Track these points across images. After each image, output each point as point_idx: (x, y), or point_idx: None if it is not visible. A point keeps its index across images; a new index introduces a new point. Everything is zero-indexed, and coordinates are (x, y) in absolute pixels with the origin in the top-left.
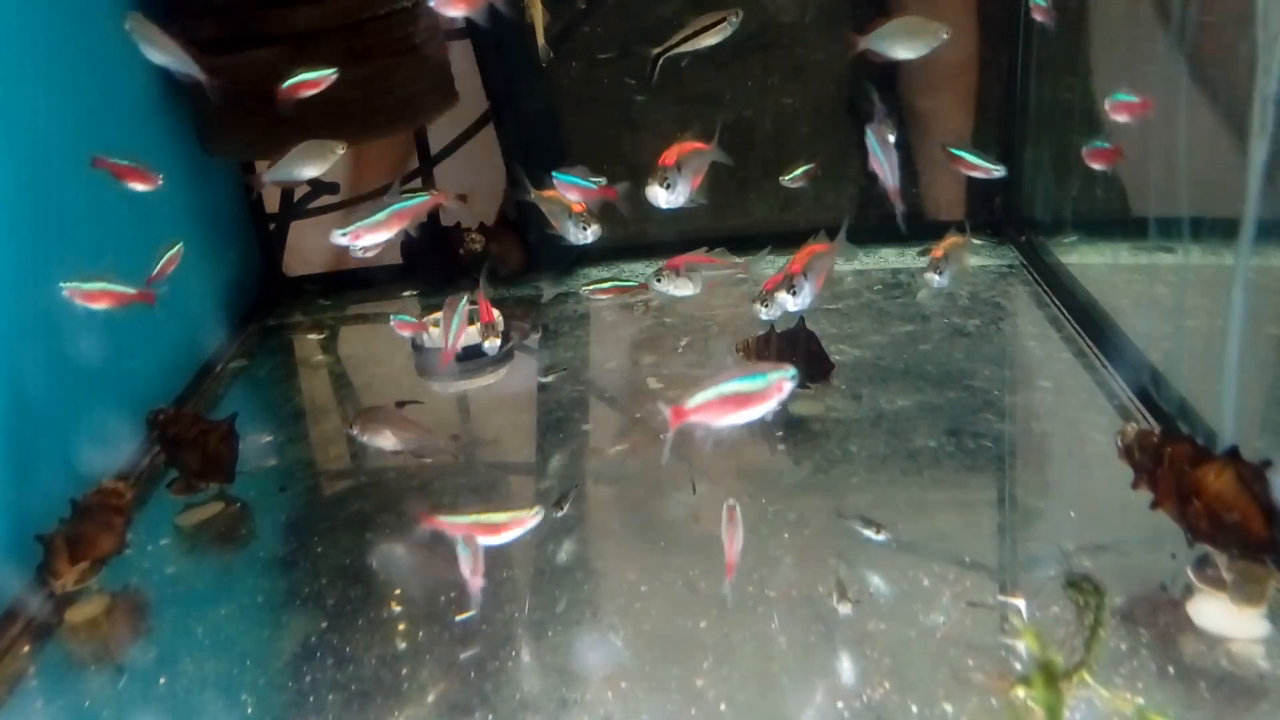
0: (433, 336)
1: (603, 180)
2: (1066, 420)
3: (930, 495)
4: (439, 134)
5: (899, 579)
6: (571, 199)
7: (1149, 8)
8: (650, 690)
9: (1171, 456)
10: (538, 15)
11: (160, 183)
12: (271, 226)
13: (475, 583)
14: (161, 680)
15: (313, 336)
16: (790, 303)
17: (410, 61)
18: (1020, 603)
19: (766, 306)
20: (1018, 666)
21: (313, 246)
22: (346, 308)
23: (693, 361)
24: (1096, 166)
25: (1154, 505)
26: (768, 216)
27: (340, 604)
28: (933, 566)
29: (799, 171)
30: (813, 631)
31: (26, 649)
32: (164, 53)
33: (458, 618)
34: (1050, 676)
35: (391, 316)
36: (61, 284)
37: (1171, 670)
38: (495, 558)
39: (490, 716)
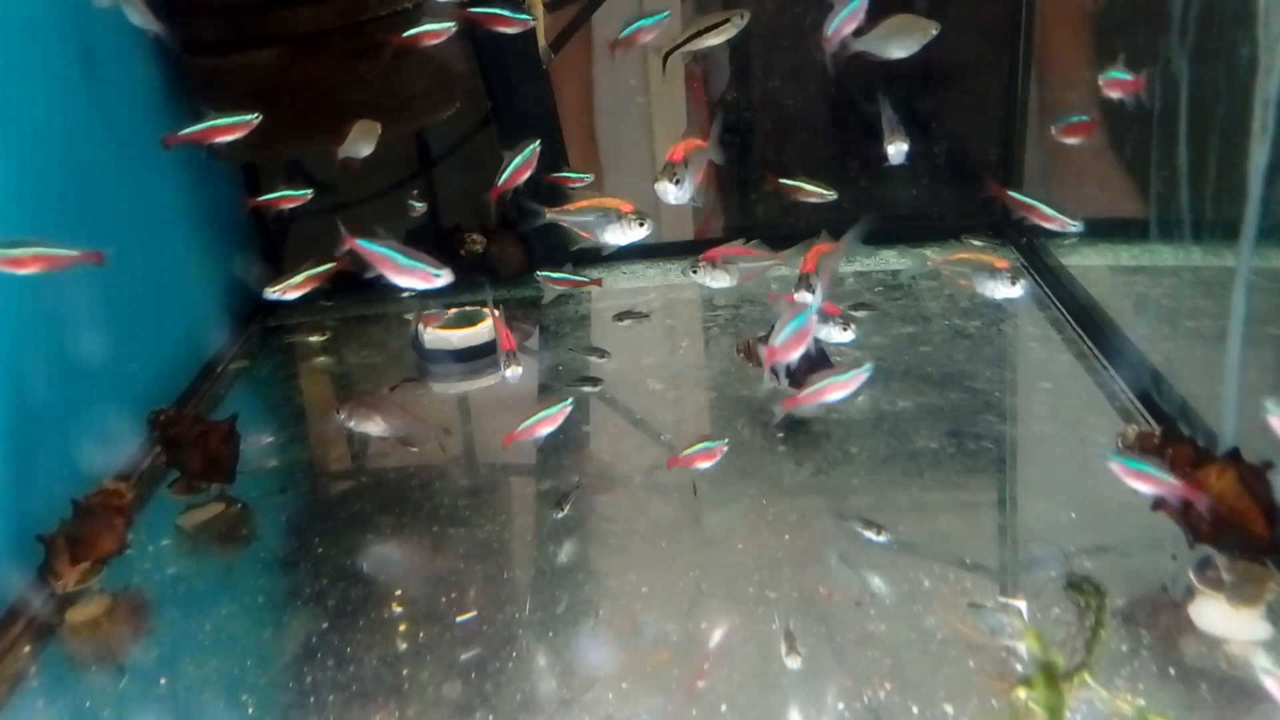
0: (434, 337)
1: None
2: (1067, 422)
3: (931, 496)
4: (439, 135)
5: (900, 580)
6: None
7: (1152, 8)
8: (650, 691)
9: (1172, 458)
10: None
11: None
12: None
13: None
14: (162, 680)
15: (314, 338)
16: (809, 299)
17: (410, 63)
18: (1021, 604)
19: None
20: (1019, 668)
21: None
22: (347, 309)
23: (693, 363)
24: (1069, 140)
25: (1155, 506)
26: (769, 217)
27: (341, 604)
28: (933, 568)
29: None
30: (813, 632)
31: (28, 649)
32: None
33: (458, 618)
34: (1051, 677)
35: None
36: None
37: (1172, 672)
38: (495, 558)
39: (491, 717)
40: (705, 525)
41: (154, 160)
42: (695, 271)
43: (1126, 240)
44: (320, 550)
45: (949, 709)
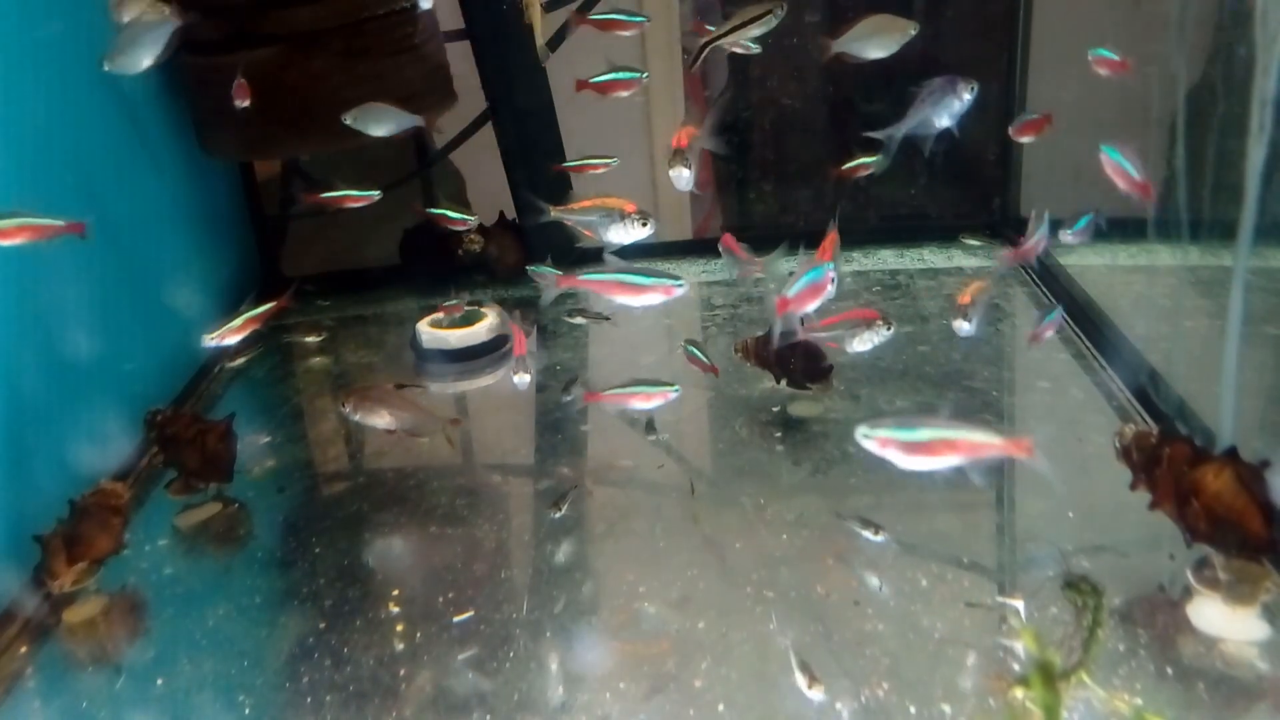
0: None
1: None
2: (1065, 421)
3: (928, 496)
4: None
5: (897, 580)
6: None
7: (1148, 8)
8: (648, 691)
9: (1170, 457)
10: (536, 16)
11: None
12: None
13: None
14: (159, 681)
15: (311, 338)
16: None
17: (409, 61)
18: (1019, 603)
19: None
20: (1016, 667)
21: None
22: (345, 308)
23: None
24: (1023, 139)
25: (1153, 506)
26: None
27: (338, 604)
28: (931, 567)
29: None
30: (811, 632)
31: (24, 649)
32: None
33: (456, 618)
34: (1049, 677)
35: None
36: None
37: (1170, 671)
38: (493, 557)
39: (488, 717)
40: (703, 525)
41: (150, 159)
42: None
43: (1124, 240)
44: (318, 550)
45: (946, 708)
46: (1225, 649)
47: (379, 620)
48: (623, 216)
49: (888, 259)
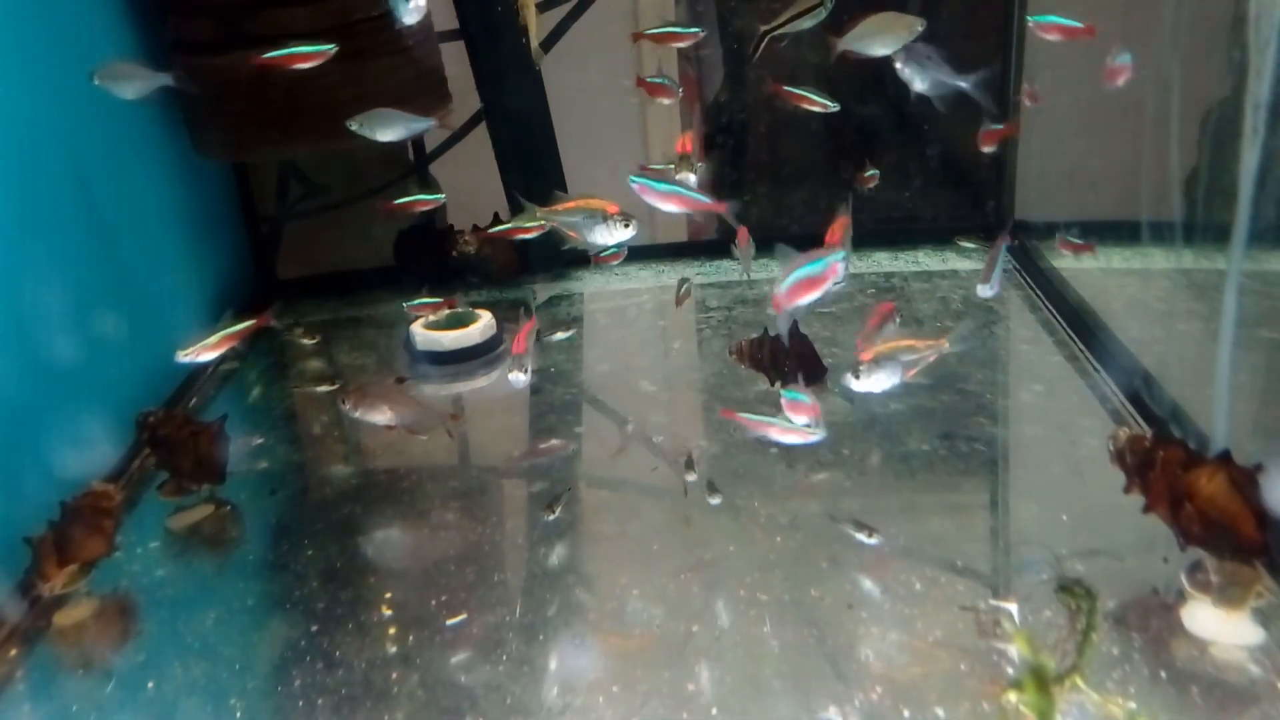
0: (425, 338)
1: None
2: (1059, 424)
3: (923, 499)
4: (433, 134)
5: (891, 583)
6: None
7: (1142, 12)
8: (642, 694)
9: (1163, 460)
10: (531, 17)
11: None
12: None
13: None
14: (150, 684)
15: (306, 341)
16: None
17: (402, 63)
18: (1012, 607)
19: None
20: (1010, 671)
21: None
22: (339, 310)
23: (685, 365)
24: (986, 149)
25: (1146, 509)
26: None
27: (330, 607)
28: (925, 570)
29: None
30: (805, 635)
31: (14, 652)
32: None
33: (449, 621)
34: (1042, 681)
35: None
36: None
37: (1163, 675)
38: (485, 560)
39: None
40: (696, 528)
41: (143, 161)
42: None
43: (1118, 242)
44: (310, 552)
45: (940, 712)
46: (1219, 653)
47: (371, 623)
48: (605, 218)
49: (882, 261)
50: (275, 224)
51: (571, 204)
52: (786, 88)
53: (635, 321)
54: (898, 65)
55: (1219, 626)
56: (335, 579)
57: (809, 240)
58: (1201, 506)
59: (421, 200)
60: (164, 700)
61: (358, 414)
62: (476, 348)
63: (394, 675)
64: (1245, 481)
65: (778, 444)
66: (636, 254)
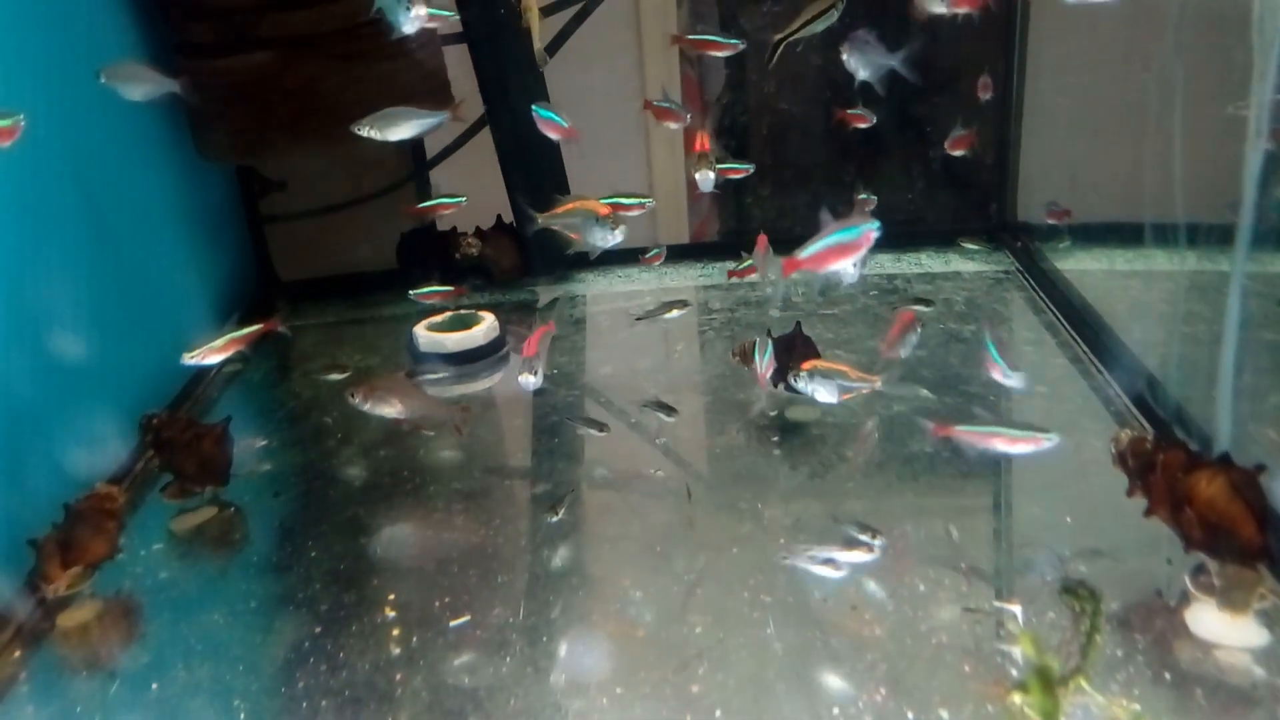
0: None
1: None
2: (1062, 426)
3: (926, 501)
4: (435, 138)
5: (895, 584)
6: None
7: (1145, 14)
8: (645, 696)
9: (1164, 463)
10: (534, 20)
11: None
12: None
13: None
14: (153, 686)
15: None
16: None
17: (405, 65)
18: (1016, 608)
19: None
20: (1014, 672)
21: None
22: (342, 312)
23: (688, 367)
24: (956, 153)
25: (1148, 512)
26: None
27: (334, 609)
28: (928, 572)
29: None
30: (808, 637)
31: (18, 654)
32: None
33: (452, 623)
34: (1047, 682)
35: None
36: None
37: (1168, 677)
38: (489, 562)
39: None
40: (699, 529)
41: (147, 162)
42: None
43: (1121, 244)
44: (313, 554)
45: (944, 714)
46: (1223, 655)
47: (374, 625)
48: (595, 222)
49: (885, 263)
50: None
51: (569, 205)
52: (850, 111)
53: (639, 323)
54: (844, 55)
55: (1223, 629)
56: (339, 581)
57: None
58: (1201, 510)
59: (444, 204)
60: (168, 702)
61: (367, 406)
62: (479, 350)
63: (398, 677)
64: (1245, 484)
65: (1005, 454)
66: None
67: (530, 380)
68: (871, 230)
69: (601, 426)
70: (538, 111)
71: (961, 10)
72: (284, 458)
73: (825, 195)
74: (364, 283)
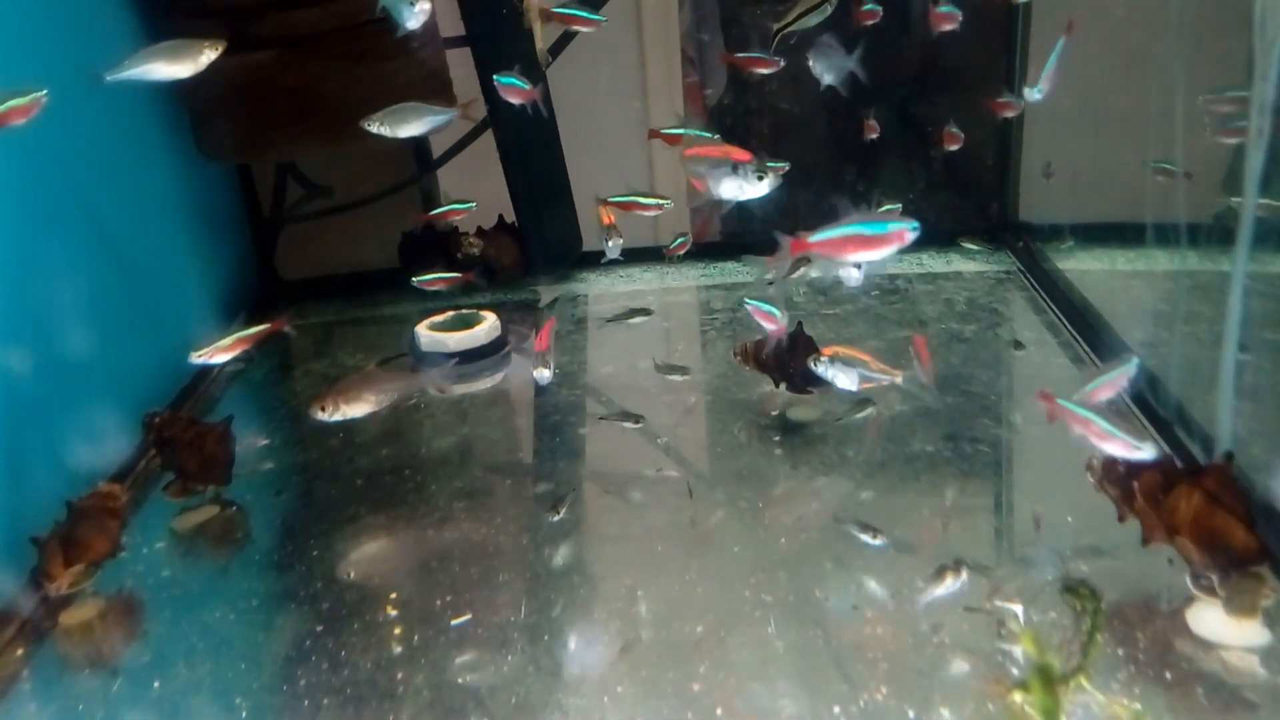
0: (430, 339)
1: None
2: (1063, 426)
3: (927, 500)
4: (438, 140)
5: (896, 583)
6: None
7: (1146, 13)
8: (646, 695)
9: (1142, 490)
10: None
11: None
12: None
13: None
14: (156, 683)
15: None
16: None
17: (407, 65)
18: (1017, 607)
19: None
20: (1015, 671)
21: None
22: (343, 310)
23: (689, 366)
24: (950, 148)
25: (1145, 542)
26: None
27: (335, 607)
28: (930, 571)
29: None
30: (809, 636)
31: (20, 651)
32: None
33: (453, 621)
34: (1047, 681)
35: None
36: None
37: (1169, 676)
38: (490, 561)
39: None
40: (701, 528)
41: (148, 160)
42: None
43: (1123, 245)
44: (315, 553)
45: (945, 712)
46: (1224, 654)
47: (376, 623)
48: (735, 167)
49: (886, 263)
50: (273, 225)
51: (705, 150)
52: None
53: (639, 323)
54: (810, 62)
55: (1224, 628)
56: (340, 579)
57: None
58: (1190, 533)
59: (456, 210)
60: (170, 699)
61: (338, 417)
62: (481, 349)
63: (399, 675)
64: (1221, 489)
65: (1099, 448)
66: (640, 255)
67: (545, 374)
68: (906, 229)
69: (637, 419)
70: (497, 79)
71: (946, 27)
72: (286, 456)
73: (827, 195)
74: (366, 282)
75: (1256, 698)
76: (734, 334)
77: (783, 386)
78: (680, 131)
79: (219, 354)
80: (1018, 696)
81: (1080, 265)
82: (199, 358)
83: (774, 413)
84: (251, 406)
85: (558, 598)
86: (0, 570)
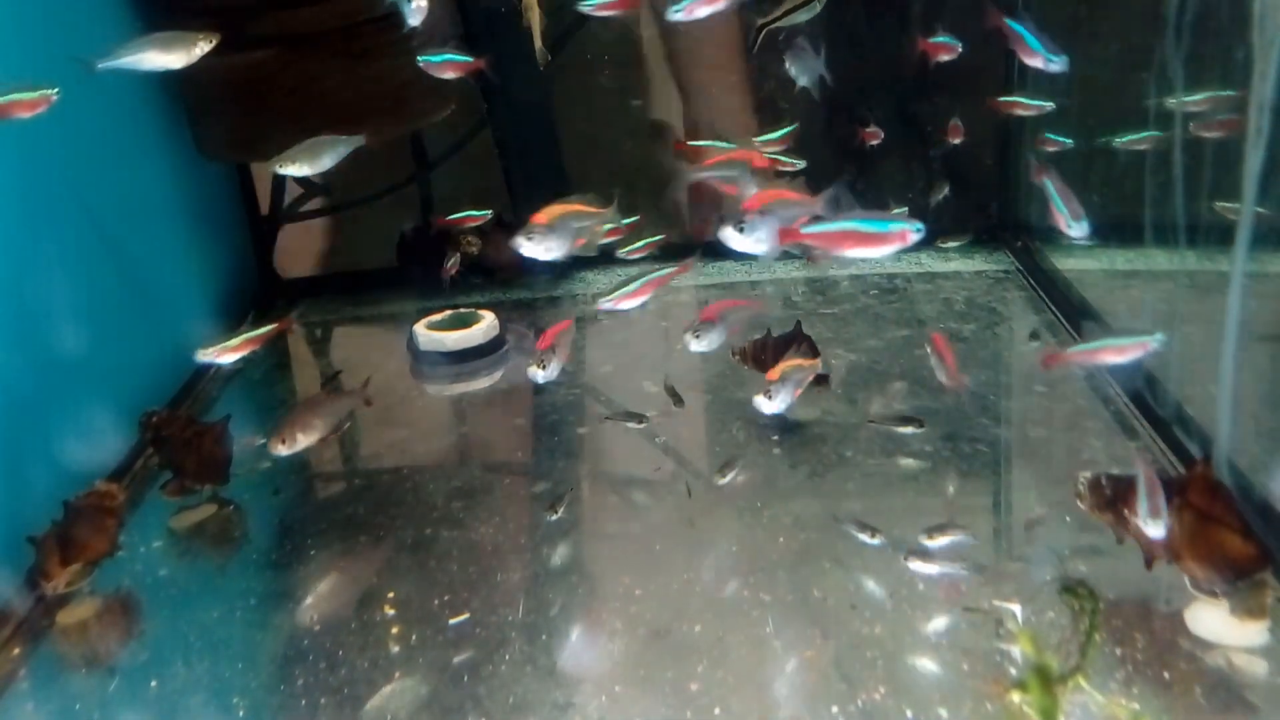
0: (429, 338)
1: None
2: (1062, 425)
3: (926, 500)
4: (437, 138)
5: (894, 583)
6: None
7: (1145, 13)
8: (644, 694)
9: (1131, 507)
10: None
11: None
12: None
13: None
14: (153, 683)
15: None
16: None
17: (405, 64)
18: (1016, 607)
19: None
20: (1013, 671)
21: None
22: (341, 309)
23: (688, 366)
24: (954, 140)
25: (1149, 565)
26: None
27: (333, 606)
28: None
29: None
30: (807, 635)
31: (17, 651)
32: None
33: (452, 620)
34: (1046, 681)
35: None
36: None
37: (1167, 676)
38: (488, 560)
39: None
40: (699, 528)
41: (146, 159)
42: None
43: (1122, 244)
44: (312, 552)
45: (943, 712)
46: (1222, 654)
47: (374, 622)
48: (752, 172)
49: (885, 262)
50: (271, 224)
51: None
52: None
53: (638, 322)
54: (788, 64)
55: (1222, 628)
56: (338, 578)
57: None
58: (1190, 556)
59: (472, 217)
60: (167, 699)
61: (296, 449)
62: (480, 348)
63: (397, 674)
64: (1208, 504)
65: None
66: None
67: (537, 373)
68: (908, 230)
69: (641, 419)
70: (426, 60)
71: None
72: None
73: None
74: (364, 281)
75: (1255, 698)
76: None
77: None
78: (706, 144)
79: (227, 354)
80: (1016, 696)
81: (1079, 265)
82: (206, 356)
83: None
84: (249, 405)
85: (556, 597)
86: None
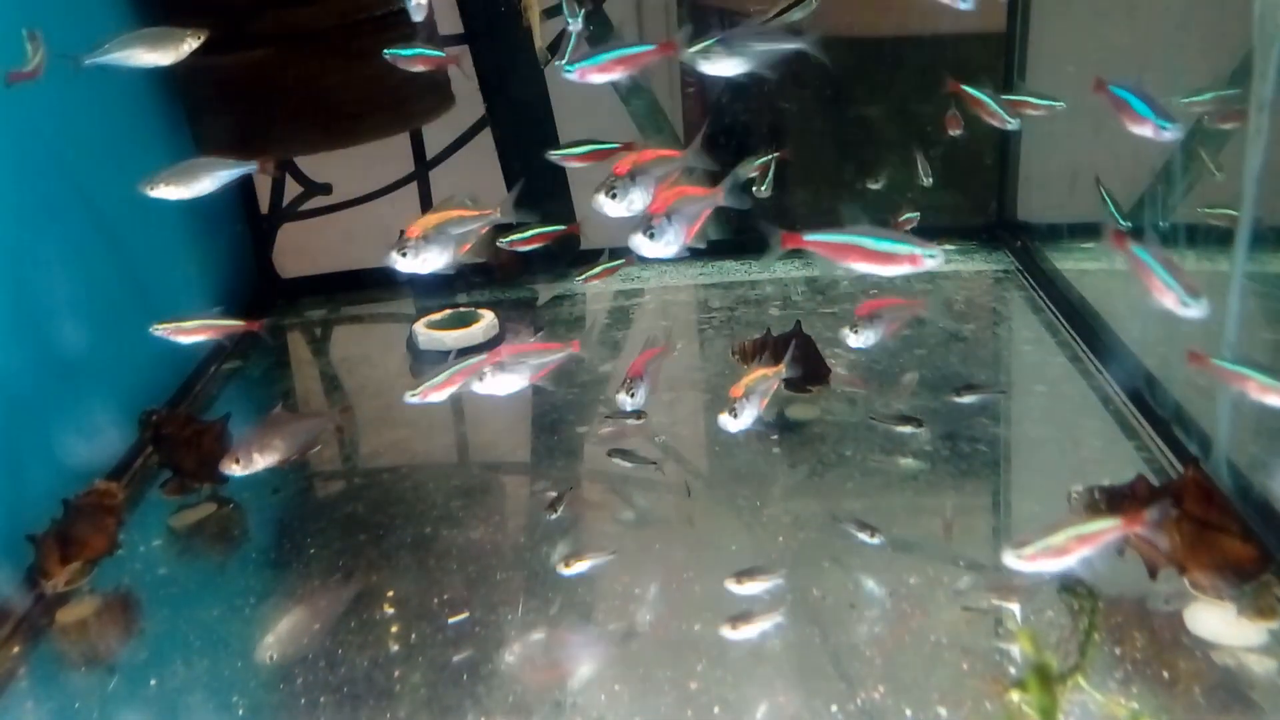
0: (428, 337)
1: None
2: (1061, 425)
3: (925, 499)
4: (437, 137)
5: (893, 582)
6: None
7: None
8: (643, 692)
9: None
10: (536, 19)
11: None
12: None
13: None
14: (152, 681)
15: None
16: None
17: None
18: (1015, 606)
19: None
20: (1012, 670)
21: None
22: (340, 308)
23: (689, 365)
24: (953, 132)
25: (1153, 576)
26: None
27: (332, 605)
28: (927, 570)
29: None
30: (808, 634)
31: (17, 649)
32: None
33: (451, 619)
34: (1045, 680)
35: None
36: None
37: (1166, 675)
38: (488, 559)
39: (483, 719)
40: (698, 527)
41: (145, 157)
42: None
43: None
44: (312, 551)
45: (942, 711)
46: (1221, 654)
47: (373, 621)
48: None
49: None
50: (270, 223)
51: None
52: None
53: (637, 321)
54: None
55: (1222, 627)
56: (337, 577)
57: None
58: (1193, 566)
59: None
60: (166, 697)
61: (253, 469)
62: (479, 347)
63: (396, 673)
64: (1204, 510)
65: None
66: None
67: (627, 401)
68: (920, 254)
69: (640, 416)
70: (395, 53)
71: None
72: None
73: (826, 194)
74: (363, 280)
75: (1255, 697)
76: (731, 332)
77: (780, 385)
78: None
79: (180, 334)
80: (1015, 695)
81: (1078, 264)
82: (160, 331)
83: (772, 411)
84: (249, 404)
85: (555, 596)
86: None
